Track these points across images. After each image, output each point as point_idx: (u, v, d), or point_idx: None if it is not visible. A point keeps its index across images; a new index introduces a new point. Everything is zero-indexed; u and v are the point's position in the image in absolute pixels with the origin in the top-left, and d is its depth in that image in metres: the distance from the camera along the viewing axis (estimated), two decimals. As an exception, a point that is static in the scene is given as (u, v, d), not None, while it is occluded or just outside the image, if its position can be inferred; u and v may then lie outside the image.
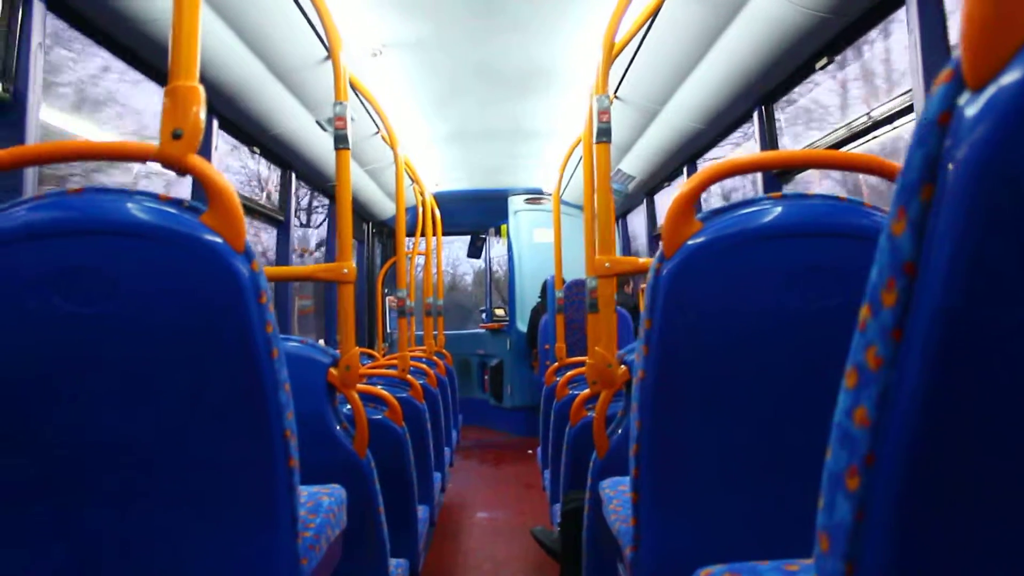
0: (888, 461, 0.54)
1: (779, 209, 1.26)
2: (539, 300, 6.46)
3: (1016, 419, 0.49)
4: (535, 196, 7.08)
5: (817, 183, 3.71)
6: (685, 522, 1.35)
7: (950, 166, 0.48)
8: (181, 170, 1.23)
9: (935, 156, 0.49)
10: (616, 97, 3.91)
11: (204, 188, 1.20)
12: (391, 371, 3.44)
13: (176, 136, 1.22)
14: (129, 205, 1.15)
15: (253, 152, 3.80)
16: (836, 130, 2.80)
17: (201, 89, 1.26)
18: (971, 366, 0.49)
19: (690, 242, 1.27)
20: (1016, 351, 0.48)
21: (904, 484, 0.53)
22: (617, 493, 1.71)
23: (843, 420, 0.58)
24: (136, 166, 3.46)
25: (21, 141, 1.92)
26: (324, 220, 6.47)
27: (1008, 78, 0.44)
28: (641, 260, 2.13)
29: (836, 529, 0.59)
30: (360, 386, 2.38)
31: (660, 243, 1.32)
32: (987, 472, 0.51)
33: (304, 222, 7.38)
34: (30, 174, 1.94)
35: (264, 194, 5.24)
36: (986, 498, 0.52)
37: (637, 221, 6.18)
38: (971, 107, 0.47)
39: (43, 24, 2.01)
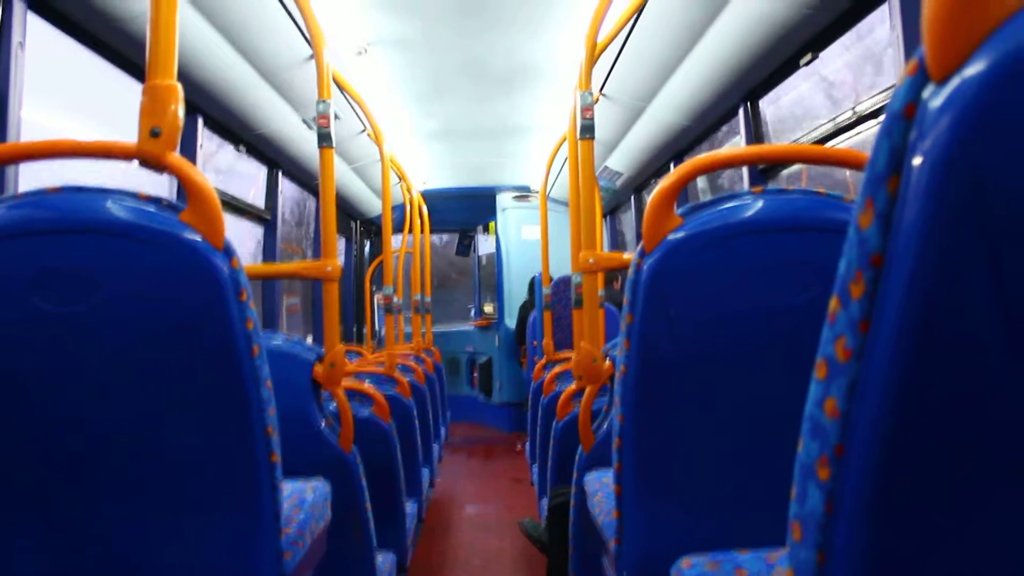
0: (857, 452, 0.54)
1: (759, 204, 1.27)
2: (527, 297, 6.46)
3: (980, 409, 0.50)
4: (523, 193, 7.08)
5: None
6: (667, 514, 1.36)
7: (915, 158, 0.48)
8: (160, 168, 1.23)
9: (901, 148, 0.49)
10: (602, 94, 3.91)
11: (183, 186, 1.20)
12: (378, 368, 3.44)
13: (154, 134, 1.22)
14: (108, 203, 1.15)
15: (239, 150, 3.78)
16: (821, 125, 2.80)
17: (179, 87, 1.26)
18: (937, 357, 0.50)
19: (670, 237, 1.27)
20: (980, 343, 0.48)
21: (872, 474, 0.53)
22: (601, 486, 1.72)
23: (814, 411, 0.59)
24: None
25: (2, 140, 1.91)
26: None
27: (971, 70, 0.45)
28: (625, 256, 2.13)
29: (808, 519, 0.59)
30: (347, 383, 2.38)
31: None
32: (953, 462, 0.52)
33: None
34: (11, 173, 1.94)
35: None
36: (953, 488, 0.52)
37: (627, 218, 6.18)
38: (935, 99, 0.47)
39: (23, 23, 2.00)
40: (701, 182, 4.43)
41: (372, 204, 6.40)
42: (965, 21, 0.45)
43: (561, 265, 5.23)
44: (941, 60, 0.46)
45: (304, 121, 3.81)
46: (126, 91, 2.65)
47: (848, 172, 3.56)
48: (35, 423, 1.19)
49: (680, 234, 1.27)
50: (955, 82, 0.46)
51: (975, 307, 0.47)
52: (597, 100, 3.91)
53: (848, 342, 0.54)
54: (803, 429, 0.61)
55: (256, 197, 4.27)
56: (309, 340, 3.82)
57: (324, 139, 2.23)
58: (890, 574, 0.55)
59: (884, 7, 2.17)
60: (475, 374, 7.68)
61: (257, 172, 4.30)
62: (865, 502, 0.54)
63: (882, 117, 0.51)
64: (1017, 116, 0.43)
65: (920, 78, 0.49)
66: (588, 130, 2.21)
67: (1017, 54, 0.43)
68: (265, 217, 4.24)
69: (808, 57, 2.72)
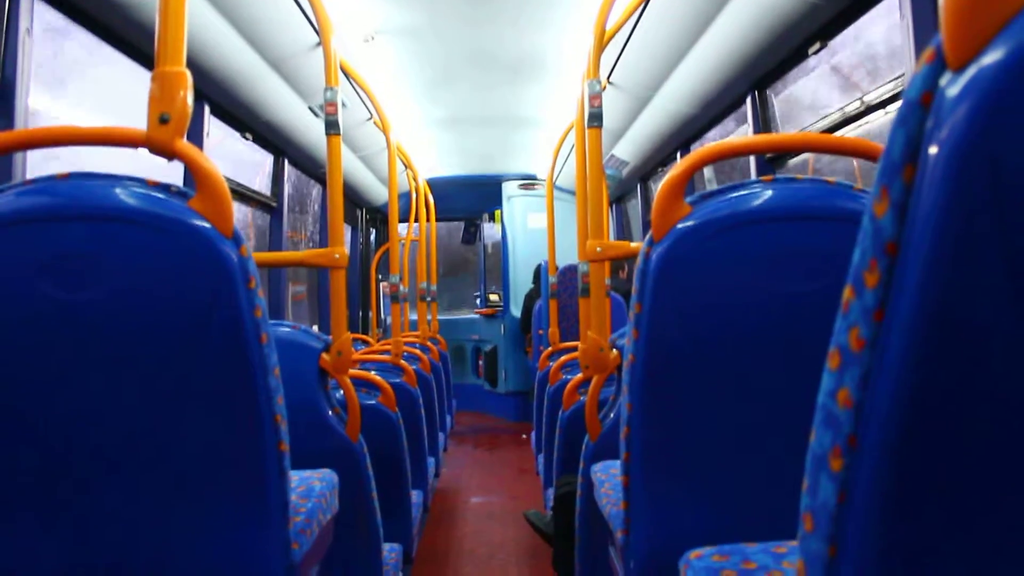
0: (870, 442, 0.54)
1: (769, 193, 1.26)
2: (533, 285, 6.46)
3: (996, 400, 0.49)
4: (529, 182, 7.07)
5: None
6: (675, 505, 1.36)
7: (932, 147, 0.48)
8: (169, 155, 1.22)
9: (917, 136, 0.49)
10: (609, 83, 3.90)
11: (192, 173, 1.20)
12: (384, 356, 3.44)
13: (163, 121, 1.22)
14: (117, 190, 1.15)
15: (245, 138, 3.78)
16: (829, 115, 2.79)
17: (188, 74, 1.26)
18: (952, 347, 0.49)
19: (680, 225, 1.27)
20: (996, 332, 0.48)
21: (886, 465, 0.53)
22: (608, 477, 1.72)
23: (827, 401, 0.58)
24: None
25: (10, 127, 1.91)
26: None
27: (988, 58, 0.44)
28: (633, 244, 2.13)
29: (820, 510, 0.59)
30: (353, 371, 2.39)
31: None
32: (968, 454, 0.51)
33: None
34: (19, 159, 1.94)
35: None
36: (967, 480, 0.52)
37: (633, 207, 6.17)
38: (952, 87, 0.46)
39: (30, 10, 1.99)
40: (708, 172, 4.42)
41: (378, 192, 6.40)
42: (984, 8, 0.44)
43: (567, 254, 5.23)
44: (959, 48, 0.46)
45: (311, 109, 3.80)
46: (134, 79, 2.65)
47: (855, 162, 3.55)
48: (42, 409, 1.19)
49: (689, 223, 1.27)
50: (973, 70, 0.45)
51: (991, 296, 0.47)
52: (604, 88, 3.90)
53: (862, 331, 0.54)
54: (815, 419, 0.60)
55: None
56: (315, 328, 3.83)
57: (331, 127, 2.22)
58: (903, 566, 0.54)
59: (894, -5, 2.15)
60: (481, 363, 7.69)
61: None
62: (878, 493, 0.54)
63: (891, 107, 0.51)
64: None
65: (937, 66, 0.48)
66: (596, 118, 2.20)
67: None
68: (271, 204, 4.24)
69: (817, 46, 2.70)
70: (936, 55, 0.48)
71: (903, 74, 2.20)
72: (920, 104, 0.49)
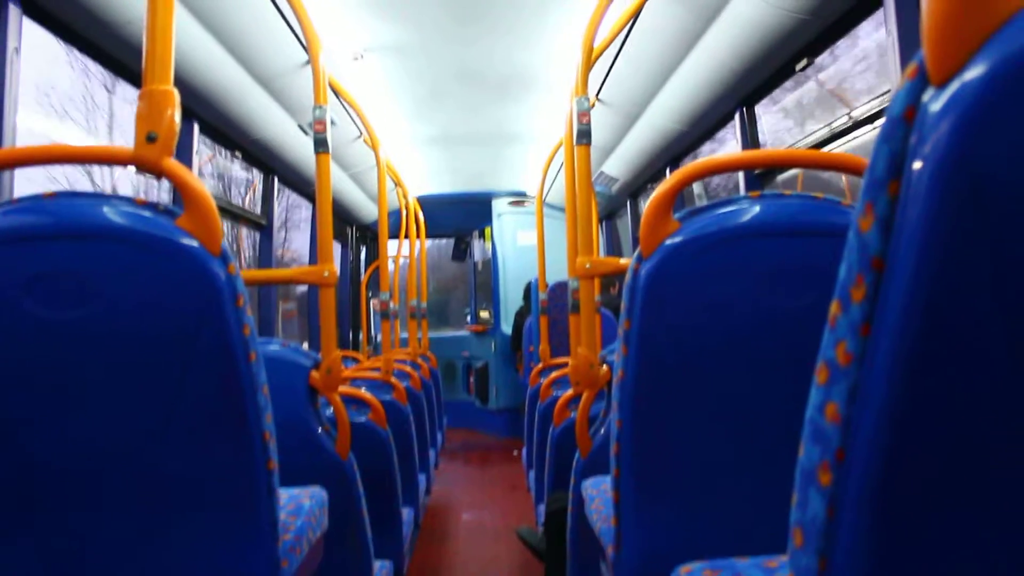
0: (858, 456, 0.54)
1: (756, 208, 1.27)
2: (523, 302, 6.46)
3: (982, 413, 0.49)
4: (519, 199, 7.08)
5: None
6: (666, 521, 1.36)
7: (915, 162, 0.48)
8: (156, 174, 1.22)
9: (901, 152, 0.49)
10: (598, 100, 3.92)
11: (180, 191, 1.20)
12: (374, 374, 3.43)
13: (151, 139, 1.22)
14: (104, 209, 1.15)
15: (235, 156, 3.78)
16: (818, 130, 2.81)
17: (176, 92, 1.26)
18: (938, 361, 0.49)
19: (668, 242, 1.27)
20: (982, 345, 0.48)
21: (874, 479, 0.53)
22: (599, 493, 1.72)
23: (815, 416, 0.59)
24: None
25: None
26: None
27: (971, 74, 0.45)
28: (622, 261, 2.13)
29: (809, 525, 0.59)
30: (343, 389, 2.38)
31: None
32: (956, 467, 0.51)
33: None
34: (6, 178, 1.93)
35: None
36: (956, 493, 0.52)
37: (623, 223, 6.18)
38: (935, 103, 0.47)
39: (19, 29, 1.99)
40: (697, 187, 4.44)
41: (368, 210, 6.40)
42: (965, 24, 0.45)
43: (557, 270, 5.23)
44: (941, 64, 0.46)
45: (300, 127, 3.81)
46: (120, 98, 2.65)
47: (844, 177, 3.57)
48: (28, 429, 1.18)
49: (677, 239, 1.27)
50: (955, 86, 0.45)
51: (976, 310, 0.47)
52: (593, 105, 3.92)
53: (849, 346, 0.54)
54: (804, 434, 0.60)
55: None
56: (305, 346, 3.82)
57: (320, 144, 2.22)
58: None
59: (879, 12, 2.18)
60: (471, 380, 7.67)
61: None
62: (867, 507, 0.54)
63: (878, 122, 0.51)
64: (1017, 119, 0.43)
65: (920, 82, 0.49)
66: (584, 135, 2.20)
67: (1016, 57, 0.43)
68: (261, 223, 4.24)
69: (804, 63, 2.72)
70: (919, 71, 0.49)
71: (889, 90, 2.22)
72: (903, 120, 0.49)
